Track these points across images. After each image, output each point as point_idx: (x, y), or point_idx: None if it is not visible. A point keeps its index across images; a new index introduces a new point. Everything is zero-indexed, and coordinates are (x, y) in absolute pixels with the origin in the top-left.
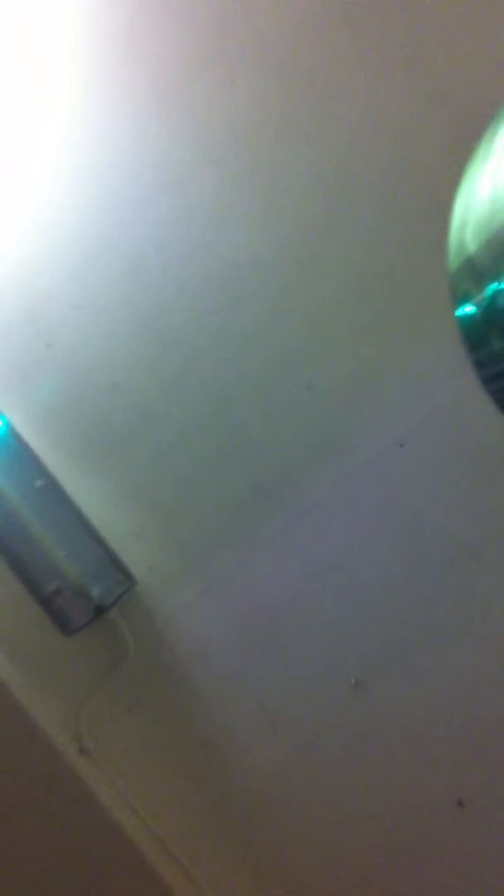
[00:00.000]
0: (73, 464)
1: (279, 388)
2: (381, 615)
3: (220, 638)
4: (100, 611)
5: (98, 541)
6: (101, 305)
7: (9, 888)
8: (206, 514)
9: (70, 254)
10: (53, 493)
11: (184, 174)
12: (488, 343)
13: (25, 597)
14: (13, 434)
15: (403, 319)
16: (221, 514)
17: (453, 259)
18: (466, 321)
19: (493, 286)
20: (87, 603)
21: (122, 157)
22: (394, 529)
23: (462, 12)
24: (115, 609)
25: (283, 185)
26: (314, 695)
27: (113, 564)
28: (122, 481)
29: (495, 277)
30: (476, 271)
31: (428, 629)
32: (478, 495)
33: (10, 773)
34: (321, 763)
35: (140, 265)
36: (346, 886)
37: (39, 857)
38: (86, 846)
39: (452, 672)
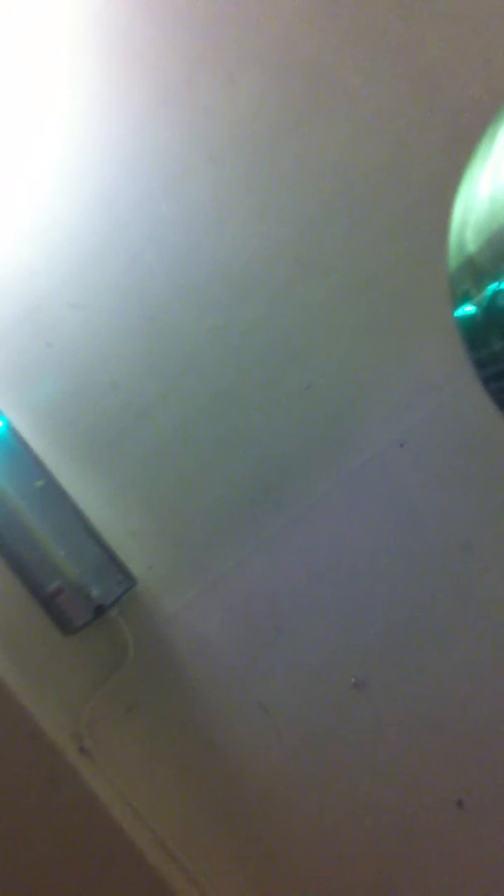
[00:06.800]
0: (73, 463)
1: (279, 387)
2: (381, 614)
3: (220, 637)
4: (100, 611)
5: (98, 540)
6: (101, 305)
7: (9, 888)
8: (207, 513)
9: (70, 254)
10: (53, 493)
11: (183, 174)
12: (488, 343)
13: (25, 597)
14: (13, 434)
15: (403, 319)
16: (221, 513)
17: (453, 259)
18: (466, 321)
19: (493, 286)
20: (87, 603)
21: (122, 157)
22: (393, 528)
23: (462, 12)
24: (115, 609)
25: (282, 184)
26: (314, 695)
27: (113, 564)
28: (122, 481)
29: (495, 277)
30: (476, 271)
31: (428, 628)
32: (477, 494)
33: (10, 772)
34: (321, 763)
35: (139, 265)
36: (346, 886)
37: (39, 856)
38: (86, 846)
39: (452, 671)
